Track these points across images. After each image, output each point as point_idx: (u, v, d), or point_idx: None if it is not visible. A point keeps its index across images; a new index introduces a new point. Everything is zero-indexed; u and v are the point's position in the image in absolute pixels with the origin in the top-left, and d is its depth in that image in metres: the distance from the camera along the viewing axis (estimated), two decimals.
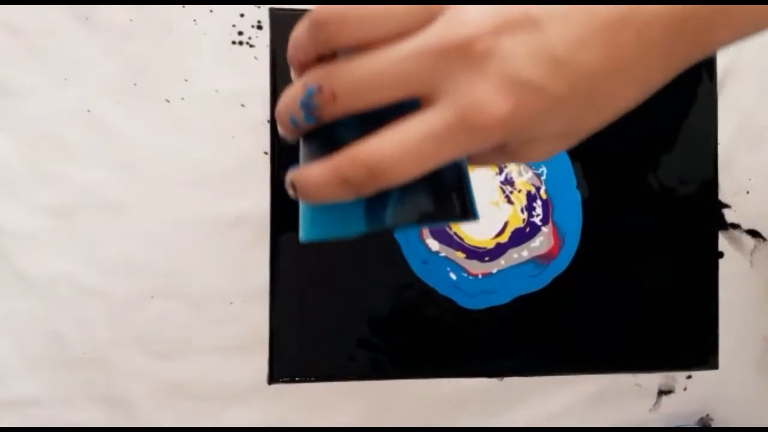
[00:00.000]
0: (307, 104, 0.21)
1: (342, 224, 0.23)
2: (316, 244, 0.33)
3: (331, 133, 0.22)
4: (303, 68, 0.22)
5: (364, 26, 0.20)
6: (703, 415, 0.45)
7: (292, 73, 0.23)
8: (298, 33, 0.21)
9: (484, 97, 0.19)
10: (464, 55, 0.19)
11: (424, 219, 0.23)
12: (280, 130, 0.23)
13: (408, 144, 0.20)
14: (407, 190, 0.22)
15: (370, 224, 0.23)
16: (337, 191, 0.21)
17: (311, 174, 0.21)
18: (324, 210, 0.23)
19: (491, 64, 0.19)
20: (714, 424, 0.45)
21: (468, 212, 0.23)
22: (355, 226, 0.23)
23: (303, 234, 0.24)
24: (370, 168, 0.20)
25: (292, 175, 0.22)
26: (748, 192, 0.45)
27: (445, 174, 0.22)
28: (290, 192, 0.23)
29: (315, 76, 0.21)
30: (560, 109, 0.20)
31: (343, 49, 0.21)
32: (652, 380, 0.44)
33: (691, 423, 0.44)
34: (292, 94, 0.22)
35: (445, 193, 0.22)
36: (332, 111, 0.21)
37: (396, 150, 0.20)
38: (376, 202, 0.23)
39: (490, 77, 0.19)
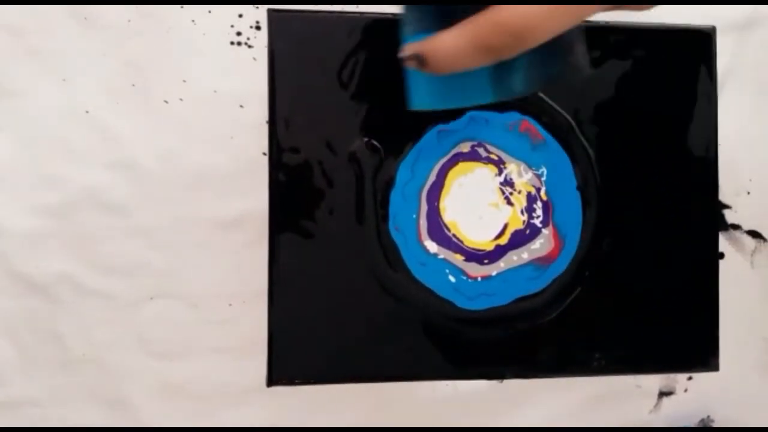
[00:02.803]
0: None
1: (465, 93, 0.23)
2: (314, 243, 0.33)
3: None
4: None
5: None
6: (704, 416, 0.45)
7: None
8: None
9: None
10: None
11: (552, 79, 0.23)
12: None
13: (551, 5, 0.20)
14: (535, 52, 0.22)
15: (497, 93, 0.23)
16: (477, 59, 0.21)
17: (447, 43, 0.21)
18: (444, 78, 0.23)
19: None
20: (715, 426, 0.45)
21: (586, 68, 0.23)
22: (481, 96, 0.23)
23: (420, 100, 0.24)
24: (515, 31, 0.20)
25: (419, 47, 0.22)
26: (748, 192, 0.44)
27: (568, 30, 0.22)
28: (410, 64, 0.22)
29: None
30: None
31: None
32: (653, 382, 0.44)
33: (692, 424, 0.44)
34: None
35: (568, 50, 0.22)
36: None
37: (539, 9, 0.20)
38: (504, 68, 0.22)
39: None
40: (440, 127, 0.34)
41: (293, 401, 0.41)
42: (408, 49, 0.23)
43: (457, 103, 0.24)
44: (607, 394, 0.43)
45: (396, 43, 0.33)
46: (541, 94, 0.34)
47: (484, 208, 0.34)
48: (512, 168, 0.35)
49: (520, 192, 0.35)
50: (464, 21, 0.21)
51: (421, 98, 0.25)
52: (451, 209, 0.34)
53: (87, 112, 0.39)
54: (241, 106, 0.40)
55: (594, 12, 0.21)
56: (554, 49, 0.22)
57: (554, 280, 0.35)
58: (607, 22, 0.35)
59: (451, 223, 0.34)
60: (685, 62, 0.36)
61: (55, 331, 0.40)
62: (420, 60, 0.22)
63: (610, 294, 0.35)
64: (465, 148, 0.34)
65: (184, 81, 0.40)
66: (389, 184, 0.34)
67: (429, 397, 0.42)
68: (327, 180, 0.33)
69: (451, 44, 0.21)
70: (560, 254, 0.35)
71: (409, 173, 0.34)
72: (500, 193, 0.34)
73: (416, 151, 0.34)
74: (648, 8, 0.24)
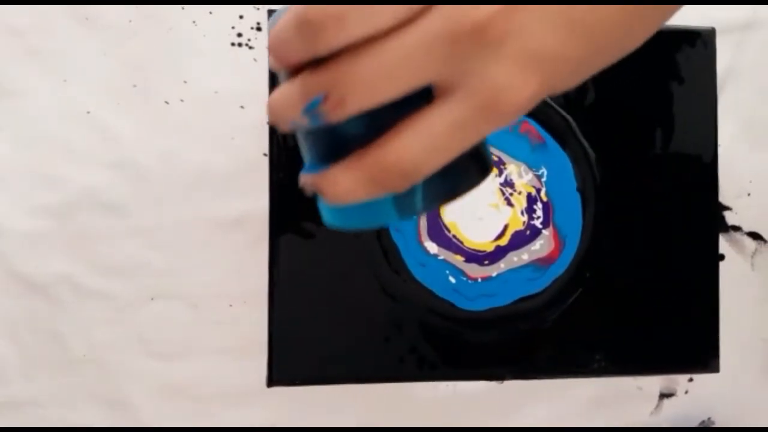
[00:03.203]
0: (312, 112, 0.20)
1: (371, 216, 0.23)
2: (314, 244, 0.33)
3: (334, 125, 0.21)
4: (293, 69, 0.21)
5: (365, 22, 0.18)
6: (705, 418, 0.45)
7: (279, 74, 0.22)
8: (285, 35, 0.19)
9: (509, 79, 0.18)
10: (479, 39, 0.18)
11: (452, 195, 0.23)
12: (274, 123, 0.22)
13: (435, 138, 0.19)
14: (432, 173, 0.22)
15: (401, 213, 0.23)
16: (370, 194, 0.21)
17: (339, 181, 0.21)
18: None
19: (510, 44, 0.18)
20: (715, 427, 0.45)
21: (488, 170, 0.23)
22: (386, 218, 0.23)
23: (329, 220, 0.24)
24: (401, 170, 0.20)
25: (313, 179, 0.22)
26: (749, 194, 0.44)
27: None
28: (309, 193, 0.22)
29: (317, 84, 0.19)
30: (582, 67, 0.20)
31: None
32: (654, 383, 0.44)
33: (693, 426, 0.44)
34: (291, 101, 0.20)
35: (468, 162, 0.22)
36: (341, 114, 0.20)
37: (424, 146, 0.19)
38: (404, 192, 0.22)
39: (510, 58, 0.18)
40: None
41: (293, 402, 0.41)
42: (303, 180, 0.22)
43: (362, 224, 0.24)
44: (608, 395, 0.43)
45: None
46: None
47: (484, 209, 0.34)
48: (512, 169, 0.35)
49: (520, 193, 0.35)
50: (353, 156, 0.21)
51: (329, 217, 0.25)
52: (451, 210, 0.34)
53: (88, 112, 0.39)
54: (242, 107, 0.40)
55: (478, 140, 0.20)
56: (452, 166, 0.21)
57: (554, 281, 0.35)
58: None
59: (451, 224, 0.34)
60: (685, 63, 0.36)
61: (55, 331, 0.40)
62: (315, 191, 0.22)
63: (610, 295, 0.35)
64: None
65: (185, 82, 0.40)
66: None
67: (429, 397, 0.42)
68: None
69: (342, 181, 0.21)
70: (560, 255, 0.35)
71: None
72: (500, 194, 0.34)
73: None
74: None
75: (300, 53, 0.20)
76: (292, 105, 0.20)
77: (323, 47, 0.19)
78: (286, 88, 0.21)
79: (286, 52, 0.20)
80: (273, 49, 0.20)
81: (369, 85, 0.19)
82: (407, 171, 0.20)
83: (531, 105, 0.19)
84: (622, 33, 0.20)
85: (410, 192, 0.22)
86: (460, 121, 0.19)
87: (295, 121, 0.21)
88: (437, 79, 0.19)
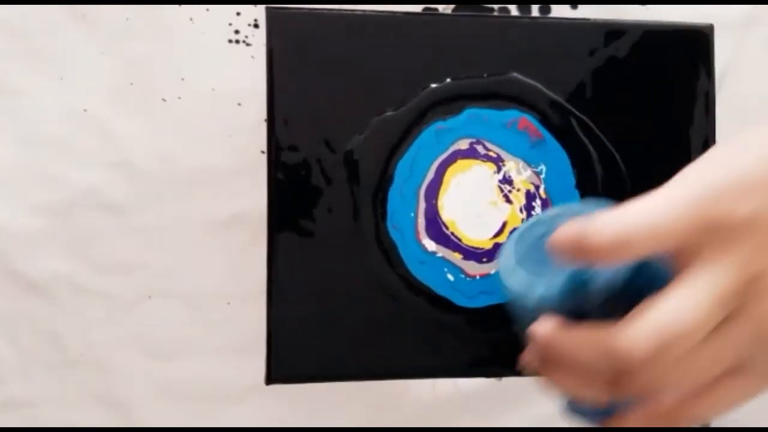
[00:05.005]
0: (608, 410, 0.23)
1: None
2: (313, 242, 0.33)
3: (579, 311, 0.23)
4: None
5: (680, 368, 0.21)
6: None
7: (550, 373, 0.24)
8: (589, 360, 0.21)
9: None
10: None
11: None
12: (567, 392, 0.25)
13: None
14: None
15: None
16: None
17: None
18: None
19: None
20: (714, 426, 0.45)
21: None
22: None
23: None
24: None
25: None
26: None
27: None
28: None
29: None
30: None
31: None
32: None
33: (691, 424, 0.44)
34: (596, 396, 0.23)
35: None
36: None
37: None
38: None
39: None
40: (438, 124, 0.34)
41: (292, 400, 0.41)
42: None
43: None
44: None
45: (394, 40, 0.34)
46: (541, 88, 0.34)
47: (483, 206, 0.34)
48: (511, 166, 0.34)
49: (519, 190, 0.35)
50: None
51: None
52: (449, 207, 0.34)
53: (85, 110, 0.39)
54: (240, 105, 0.40)
55: None
56: None
57: None
58: (605, 21, 0.36)
59: (449, 221, 0.34)
60: (684, 61, 0.36)
61: (53, 331, 0.40)
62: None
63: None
64: (463, 145, 0.34)
65: (182, 79, 0.40)
66: (387, 181, 0.34)
67: (429, 396, 0.42)
68: (325, 178, 0.33)
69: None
70: None
71: (408, 171, 0.34)
72: (499, 190, 0.34)
73: (414, 148, 0.34)
74: None
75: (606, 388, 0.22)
76: (597, 396, 0.23)
77: (629, 391, 0.21)
78: (590, 390, 0.23)
79: (582, 382, 0.23)
80: (563, 376, 0.24)
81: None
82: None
83: None
84: None
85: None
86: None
87: (579, 409, 0.26)
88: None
